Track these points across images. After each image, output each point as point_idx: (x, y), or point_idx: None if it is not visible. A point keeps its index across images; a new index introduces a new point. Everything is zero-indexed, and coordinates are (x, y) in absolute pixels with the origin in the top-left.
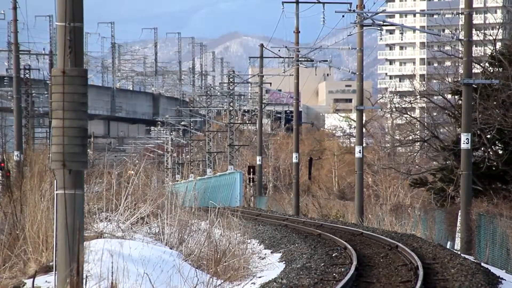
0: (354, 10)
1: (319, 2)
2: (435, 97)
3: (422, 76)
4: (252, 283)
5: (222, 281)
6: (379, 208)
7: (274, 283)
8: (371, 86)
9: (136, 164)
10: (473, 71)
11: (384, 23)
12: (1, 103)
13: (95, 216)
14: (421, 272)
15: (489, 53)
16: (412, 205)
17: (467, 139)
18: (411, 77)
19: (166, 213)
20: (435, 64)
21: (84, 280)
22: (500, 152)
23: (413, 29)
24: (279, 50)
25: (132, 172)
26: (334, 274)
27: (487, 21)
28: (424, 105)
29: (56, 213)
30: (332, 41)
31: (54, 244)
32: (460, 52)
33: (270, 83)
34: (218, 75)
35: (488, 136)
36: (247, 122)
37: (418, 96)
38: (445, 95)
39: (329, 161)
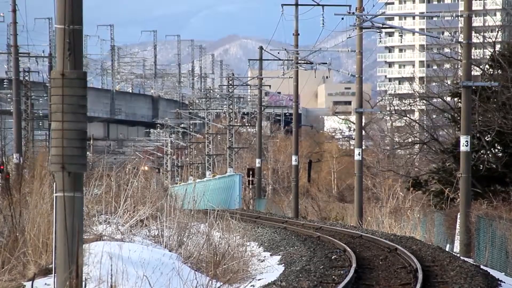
0: (353, 13)
1: (319, 5)
2: (435, 100)
3: (421, 78)
4: (251, 286)
5: (221, 283)
6: (379, 210)
7: (274, 286)
8: (370, 89)
9: (134, 167)
10: (472, 73)
11: (384, 26)
12: (1, 105)
13: (94, 219)
14: (420, 275)
15: (489, 56)
16: (411, 208)
17: (466, 141)
18: (411, 79)
19: (166, 216)
20: (435, 67)
21: (83, 283)
22: (500, 154)
23: (412, 32)
24: (278, 53)
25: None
26: (334, 276)
27: (486, 24)
28: (423, 107)
29: (55, 215)
30: (331, 44)
31: (54, 246)
32: (460, 54)
33: (270, 86)
34: (218, 78)
35: (488, 138)
36: (247, 124)
37: (418, 99)
38: (445, 97)
39: (328, 163)
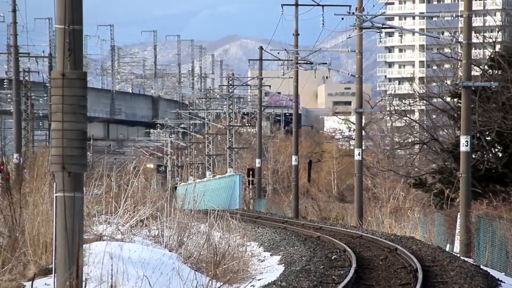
0: (353, 13)
1: (319, 5)
2: (435, 100)
3: (421, 78)
4: (251, 286)
5: (221, 283)
6: (379, 210)
7: (274, 286)
8: (370, 89)
9: (135, 167)
10: (472, 73)
11: (384, 26)
12: (1, 105)
13: (94, 219)
14: (420, 275)
15: (489, 56)
16: (411, 208)
17: (466, 141)
18: (411, 79)
19: (166, 216)
20: (435, 67)
21: (83, 283)
22: (500, 154)
23: (413, 32)
24: (278, 53)
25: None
26: (334, 276)
27: (486, 24)
28: (423, 107)
29: (55, 215)
30: (331, 44)
31: (54, 246)
32: (460, 54)
33: (270, 86)
34: (218, 78)
35: (488, 138)
36: (247, 124)
37: (418, 99)
38: (445, 97)
39: (328, 163)
